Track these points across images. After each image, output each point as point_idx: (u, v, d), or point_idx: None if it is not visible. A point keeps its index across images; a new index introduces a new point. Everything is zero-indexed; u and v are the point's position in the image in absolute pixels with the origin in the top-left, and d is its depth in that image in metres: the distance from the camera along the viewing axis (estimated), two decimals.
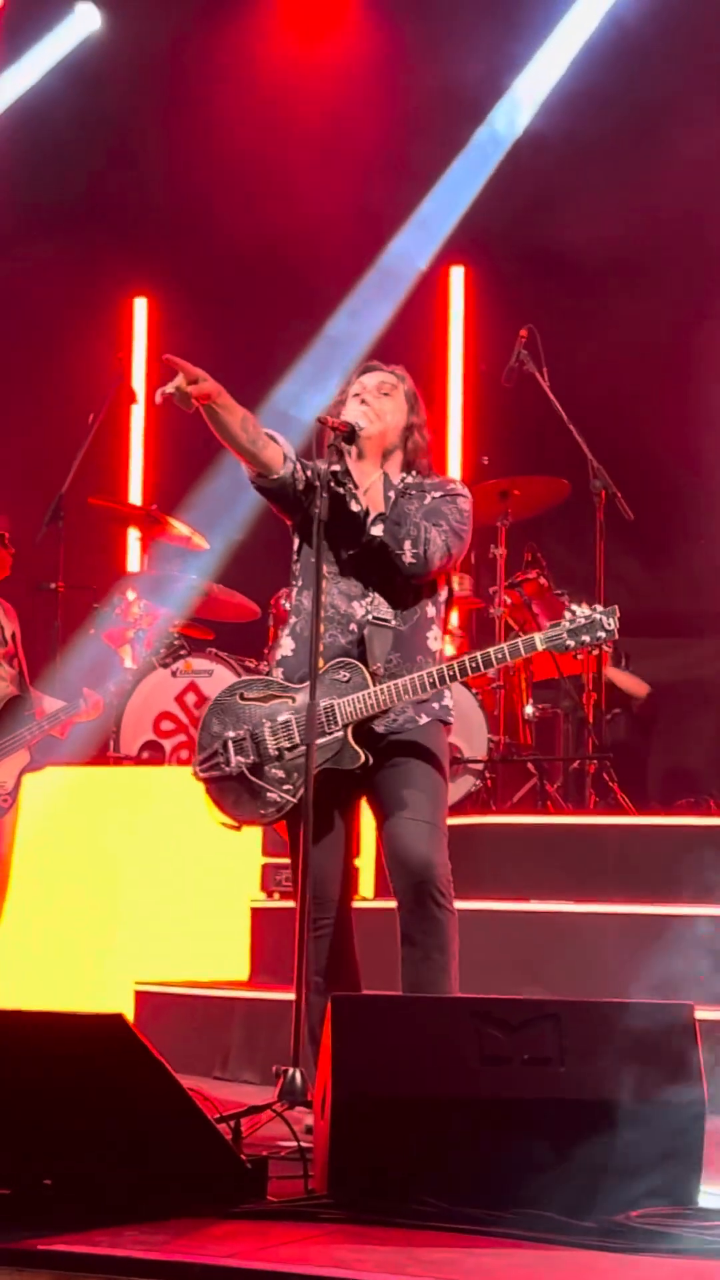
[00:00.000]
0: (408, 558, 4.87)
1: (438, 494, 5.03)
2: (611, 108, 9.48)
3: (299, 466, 5.01)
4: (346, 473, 4.99)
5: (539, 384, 7.87)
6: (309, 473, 5.00)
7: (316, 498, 4.86)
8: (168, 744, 8.30)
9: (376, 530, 4.91)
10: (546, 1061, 3.60)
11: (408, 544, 4.87)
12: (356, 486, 4.99)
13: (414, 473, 5.08)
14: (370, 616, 4.92)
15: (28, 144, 10.24)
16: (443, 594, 5.09)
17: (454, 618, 8.07)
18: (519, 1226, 3.38)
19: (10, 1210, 3.47)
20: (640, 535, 8.20)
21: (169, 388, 4.95)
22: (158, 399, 4.97)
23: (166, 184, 10.31)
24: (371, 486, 4.97)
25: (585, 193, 9.38)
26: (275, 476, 4.98)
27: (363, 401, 5.03)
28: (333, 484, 4.96)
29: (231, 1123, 3.90)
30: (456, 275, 10.24)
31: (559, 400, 7.84)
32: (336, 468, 5.01)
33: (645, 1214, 3.41)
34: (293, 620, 5.08)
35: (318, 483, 4.89)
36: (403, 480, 5.05)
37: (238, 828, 5.09)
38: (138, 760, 8.26)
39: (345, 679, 4.89)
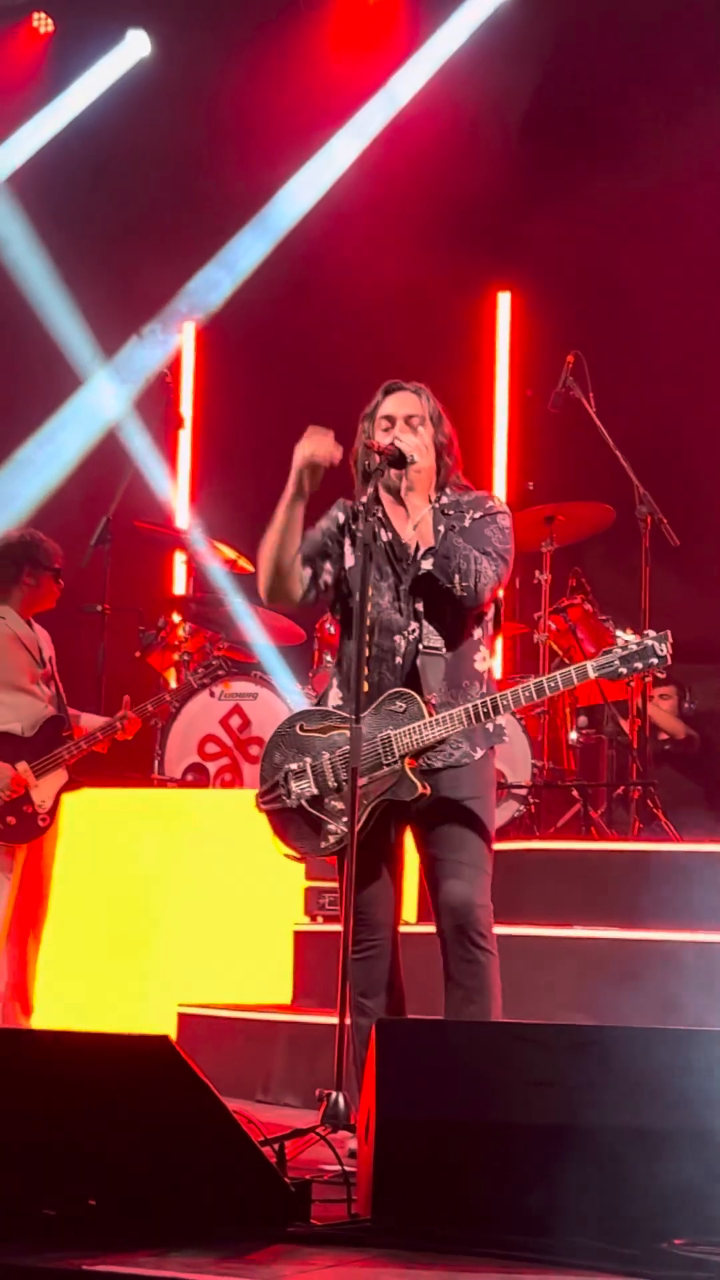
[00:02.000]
0: (458, 591, 4.88)
1: (478, 514, 5.03)
2: (661, 132, 9.48)
3: (319, 560, 5.08)
4: (375, 502, 4.97)
5: (585, 409, 7.87)
6: (330, 531, 5.09)
7: (361, 524, 4.89)
8: (212, 767, 8.33)
9: (426, 564, 4.93)
10: (591, 1087, 3.60)
11: (457, 578, 4.88)
12: (389, 521, 5.00)
13: (448, 490, 5.08)
14: (421, 646, 4.93)
15: (76, 168, 10.30)
16: (489, 613, 5.10)
17: (499, 643, 8.08)
18: (561, 1253, 3.37)
19: (55, 1231, 3.48)
20: (685, 561, 8.19)
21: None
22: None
23: (219, 210, 10.35)
24: (422, 521, 4.97)
25: (635, 216, 9.39)
26: (289, 602, 5.09)
27: (394, 432, 5.03)
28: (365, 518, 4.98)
29: (276, 1146, 3.91)
30: (503, 300, 10.25)
31: (605, 426, 7.84)
32: (364, 497, 5.00)
33: (687, 1243, 3.40)
34: (337, 671, 5.09)
35: (361, 507, 4.92)
36: (440, 502, 5.05)
37: (301, 859, 5.12)
38: (181, 783, 8.28)
39: (401, 709, 4.90)
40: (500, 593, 5.15)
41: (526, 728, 7.76)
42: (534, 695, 4.91)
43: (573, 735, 8.11)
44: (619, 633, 5.52)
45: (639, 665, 4.84)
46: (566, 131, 9.94)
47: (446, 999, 4.86)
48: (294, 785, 4.99)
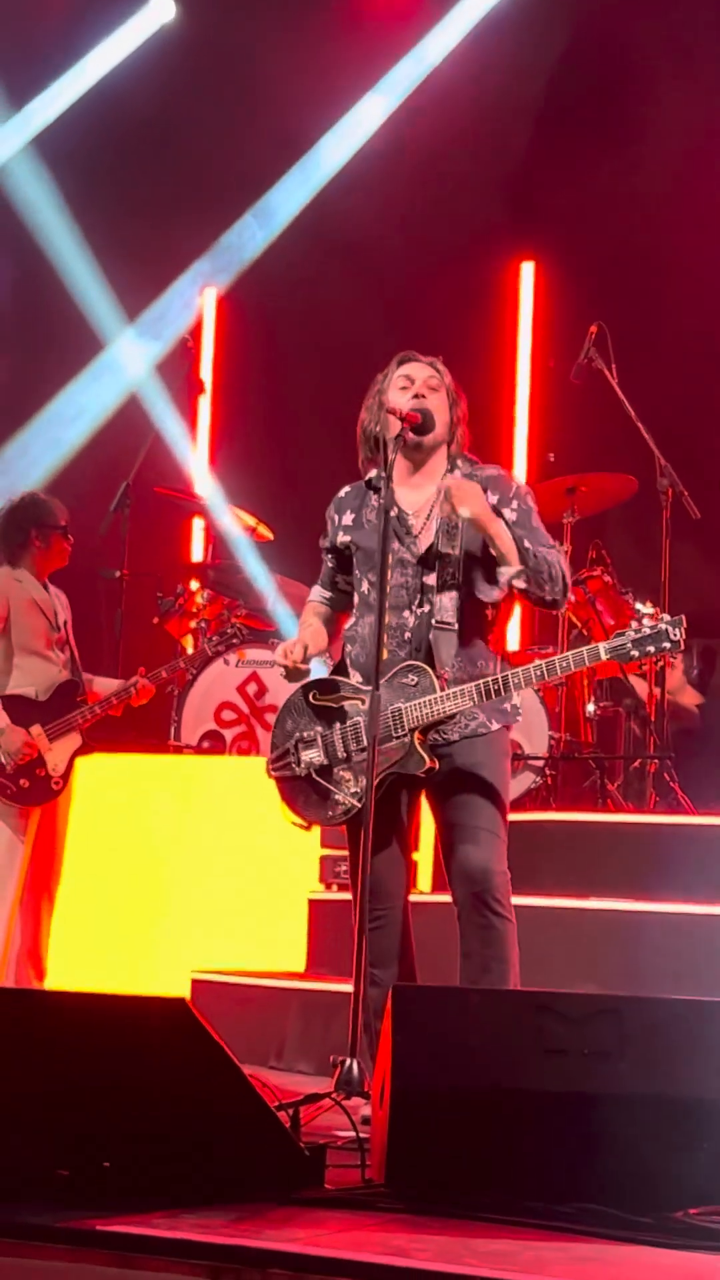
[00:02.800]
0: (548, 597, 4.90)
1: (495, 497, 5.00)
2: (688, 102, 9.43)
3: (329, 574, 5.19)
4: (381, 479, 4.95)
5: (608, 381, 7.83)
6: (334, 548, 5.14)
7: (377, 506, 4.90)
8: (228, 734, 8.32)
9: (520, 584, 4.87)
10: (606, 1056, 3.60)
11: (548, 587, 4.88)
12: (398, 507, 4.99)
13: (460, 464, 5.05)
14: (434, 621, 4.91)
15: (100, 131, 10.27)
16: (501, 594, 5.08)
17: (516, 611, 8.04)
18: (576, 1220, 3.38)
19: (70, 1191, 3.49)
20: (706, 534, 8.15)
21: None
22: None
23: (242, 175, 10.32)
24: (503, 538, 4.89)
25: (656, 185, 9.34)
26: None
27: (416, 395, 5.01)
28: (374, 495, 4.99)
29: (290, 1111, 3.91)
30: (527, 270, 10.21)
31: (627, 397, 7.80)
32: (371, 474, 5.00)
33: (704, 1211, 3.40)
34: (348, 648, 5.08)
35: (350, 511, 4.95)
36: (447, 477, 5.02)
37: (307, 827, 5.12)
38: (198, 749, 8.28)
39: (413, 683, 4.88)
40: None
41: (544, 699, 7.74)
42: (545, 674, 4.89)
43: (590, 708, 8.09)
44: (639, 606, 5.49)
45: (651, 649, 4.81)
46: (593, 101, 9.89)
47: (462, 967, 4.85)
48: (304, 754, 4.99)
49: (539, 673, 4.87)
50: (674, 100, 9.50)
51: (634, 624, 4.83)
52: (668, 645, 4.80)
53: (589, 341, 7.88)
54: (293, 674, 5.07)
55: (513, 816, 5.06)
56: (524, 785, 7.55)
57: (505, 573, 4.87)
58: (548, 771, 7.62)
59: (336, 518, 5.16)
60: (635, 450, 7.80)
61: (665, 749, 7.58)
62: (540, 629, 8.76)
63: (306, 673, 5.07)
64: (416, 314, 9.28)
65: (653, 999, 3.81)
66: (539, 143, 9.91)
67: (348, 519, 5.11)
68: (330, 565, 5.22)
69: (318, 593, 5.27)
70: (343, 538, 5.11)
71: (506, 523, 4.93)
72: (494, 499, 4.96)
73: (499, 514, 4.92)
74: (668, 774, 7.44)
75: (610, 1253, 3.22)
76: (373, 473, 5.05)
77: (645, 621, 4.80)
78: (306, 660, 5.07)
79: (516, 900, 4.92)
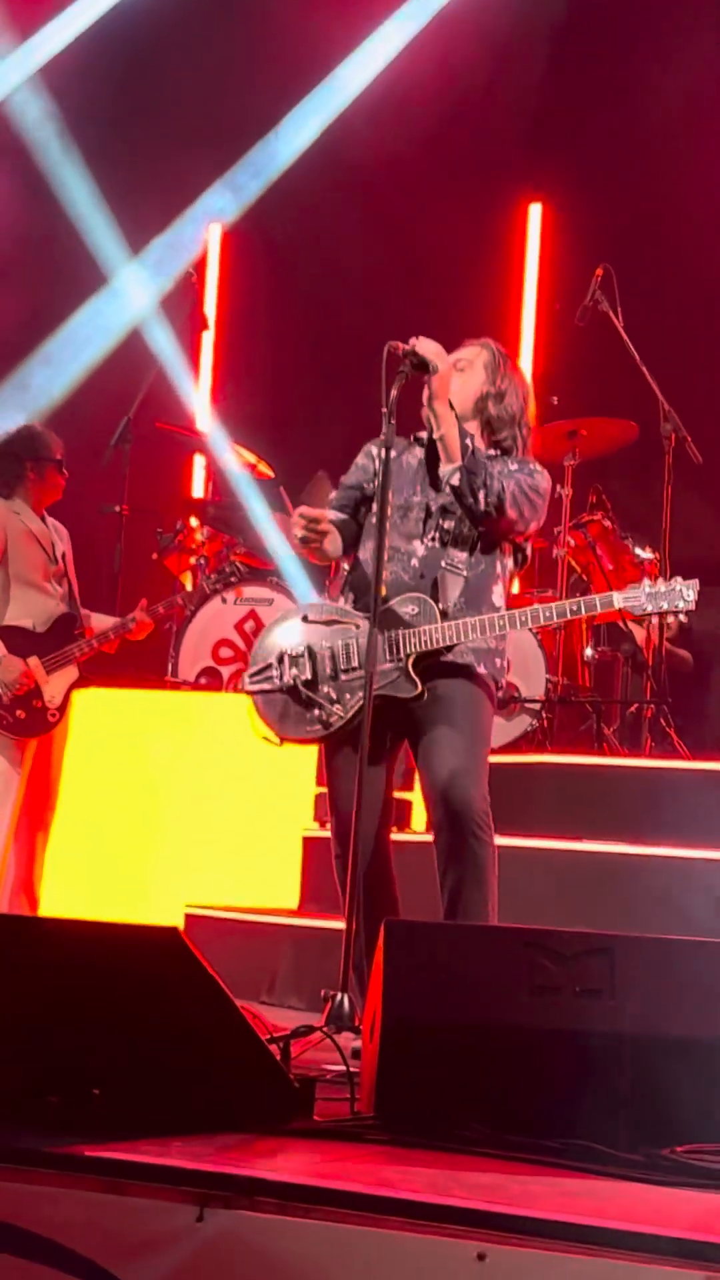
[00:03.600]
0: (481, 506, 4.87)
1: (513, 465, 5.01)
2: (698, 43, 9.36)
3: (348, 497, 5.17)
4: (420, 443, 4.98)
5: (613, 324, 7.79)
6: (364, 479, 5.13)
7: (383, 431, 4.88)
8: (225, 671, 8.32)
9: (454, 481, 4.89)
10: (598, 994, 3.60)
11: (482, 494, 4.86)
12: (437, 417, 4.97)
13: (497, 447, 5.07)
14: (443, 563, 4.91)
15: (106, 64, 10.19)
16: (510, 560, 5.07)
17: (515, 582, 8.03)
18: (564, 1156, 3.39)
19: (59, 1117, 3.49)
20: (708, 480, 8.13)
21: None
22: None
23: (249, 111, 10.25)
24: (448, 433, 4.93)
25: (667, 129, 9.28)
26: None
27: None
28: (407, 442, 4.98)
29: (280, 1044, 3.92)
30: (534, 212, 10.14)
31: (632, 341, 7.76)
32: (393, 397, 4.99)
33: (691, 1149, 3.41)
34: (348, 573, 5.08)
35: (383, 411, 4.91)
36: (471, 440, 5.03)
37: (279, 743, 5.09)
38: (195, 686, 8.28)
39: (414, 612, 4.88)
40: (527, 546, 5.12)
41: (543, 643, 7.74)
42: (554, 617, 4.92)
43: (588, 652, 8.09)
44: (638, 551, 5.48)
45: (664, 605, 4.90)
46: (606, 42, 9.80)
47: (441, 886, 4.86)
48: (287, 668, 4.97)
49: (548, 615, 4.89)
50: (687, 44, 9.43)
51: (647, 581, 4.89)
52: (680, 605, 4.86)
53: (595, 284, 7.84)
54: (308, 538, 5.02)
55: (508, 758, 5.09)
56: (520, 728, 7.56)
57: (444, 470, 4.90)
58: (544, 714, 7.62)
59: (374, 450, 5.11)
60: (639, 395, 7.77)
61: (662, 694, 7.58)
62: (540, 574, 8.73)
63: (322, 536, 5.00)
64: (423, 253, 9.22)
65: (644, 938, 3.81)
66: (550, 84, 9.83)
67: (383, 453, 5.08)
68: (351, 487, 5.17)
69: (333, 514, 5.20)
70: (373, 477, 5.07)
71: (508, 470, 4.95)
72: (512, 465, 5.01)
73: (507, 468, 4.95)
74: (664, 719, 7.45)
75: (598, 1188, 3.23)
76: (420, 433, 5.08)
77: (660, 580, 4.86)
78: (324, 529, 5.01)
79: (511, 842, 4.94)
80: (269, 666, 5.03)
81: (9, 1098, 3.54)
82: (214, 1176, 3.07)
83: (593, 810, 6.62)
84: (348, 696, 4.87)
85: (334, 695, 4.93)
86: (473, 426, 5.07)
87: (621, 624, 8.22)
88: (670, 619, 8.82)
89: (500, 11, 9.83)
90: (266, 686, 5.02)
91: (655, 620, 7.57)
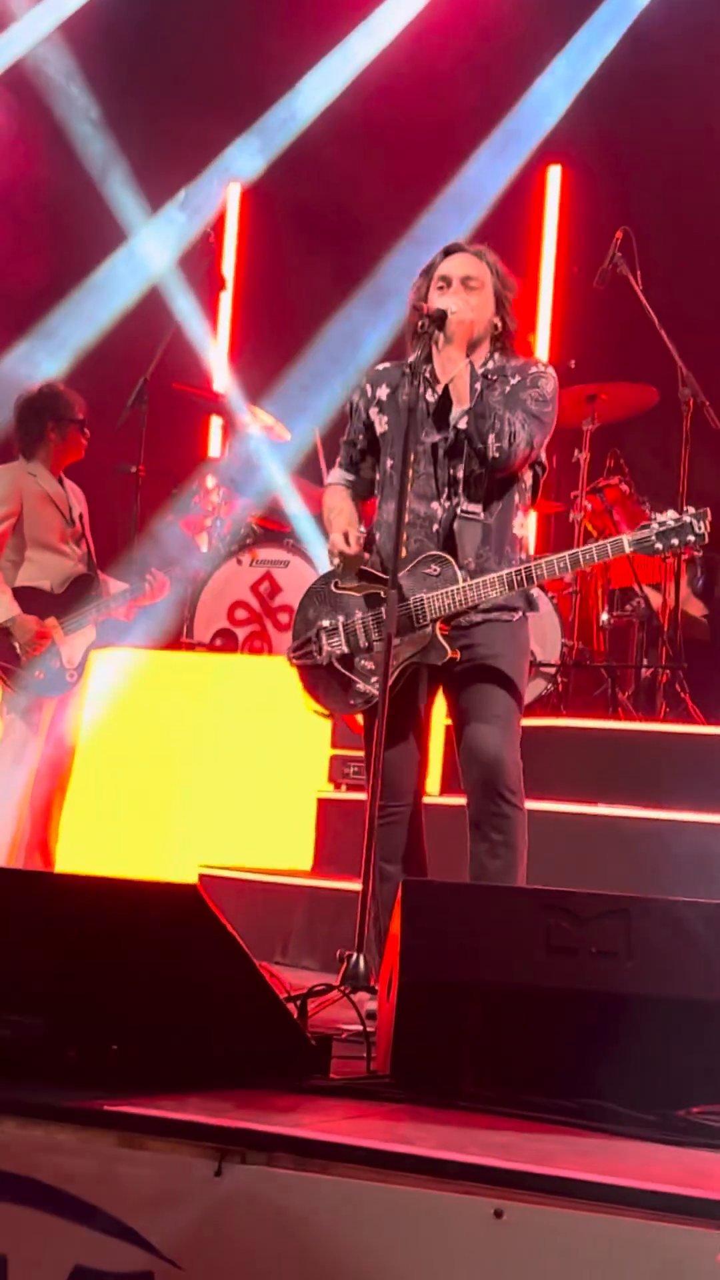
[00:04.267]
0: (491, 452, 4.85)
1: (517, 379, 4.98)
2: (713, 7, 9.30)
3: (353, 452, 5.17)
4: (425, 361, 4.94)
5: (632, 287, 7.76)
6: (360, 422, 5.12)
7: (403, 391, 4.86)
8: (241, 632, 8.33)
9: (462, 425, 4.88)
10: (614, 955, 3.61)
11: (491, 437, 4.84)
12: (437, 381, 4.96)
13: (497, 356, 5.03)
14: (459, 510, 4.90)
15: (124, 22, 10.14)
16: (527, 479, 5.05)
17: (532, 518, 8.02)
18: (579, 1115, 3.40)
19: (77, 1073, 3.52)
20: None
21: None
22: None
23: (268, 69, 10.20)
24: (457, 377, 4.93)
25: (689, 92, 9.23)
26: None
27: (448, 293, 4.98)
28: (411, 379, 4.94)
29: (297, 1002, 3.94)
30: (553, 174, 10.09)
31: (651, 305, 7.74)
32: (413, 358, 4.97)
33: (706, 1110, 3.43)
34: (375, 534, 5.07)
35: (406, 371, 4.90)
36: (484, 366, 5.00)
37: (329, 716, 5.13)
38: (210, 647, 8.29)
39: (435, 572, 4.88)
40: (542, 456, 5.08)
41: (558, 606, 7.74)
42: (568, 566, 4.89)
43: (604, 616, 8.09)
44: (655, 515, 5.42)
45: (675, 542, 4.83)
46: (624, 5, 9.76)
47: (471, 851, 4.88)
48: (325, 642, 4.99)
49: (561, 564, 4.86)
50: (706, 4, 9.38)
51: (657, 516, 4.83)
52: (692, 538, 4.81)
53: (614, 247, 7.80)
54: (351, 561, 5.01)
55: (524, 722, 5.08)
56: (535, 692, 7.56)
57: (454, 413, 4.88)
58: (559, 678, 7.63)
59: (370, 389, 5.11)
60: (657, 359, 7.75)
61: (677, 659, 7.58)
62: (557, 537, 8.73)
63: (362, 558, 5.02)
64: (441, 213, 9.19)
65: (660, 900, 3.82)
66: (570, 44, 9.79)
67: (383, 393, 5.06)
68: (357, 444, 5.17)
69: (340, 476, 5.23)
70: (375, 413, 5.07)
71: (511, 388, 4.93)
72: (516, 379, 4.96)
73: (515, 390, 4.93)
74: (679, 684, 7.45)
75: (613, 1147, 3.25)
76: (413, 356, 5.01)
77: (669, 513, 4.81)
78: (361, 544, 5.02)
79: (527, 805, 4.93)
80: (309, 641, 5.04)
81: (27, 1052, 3.56)
82: (232, 1132, 3.10)
83: (607, 774, 6.63)
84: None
85: (371, 667, 4.93)
86: (484, 345, 5.02)
87: (637, 588, 8.21)
88: (684, 582, 8.83)
89: None
90: (308, 662, 5.04)
91: (670, 570, 7.54)
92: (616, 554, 4.92)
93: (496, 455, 4.85)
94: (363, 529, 5.11)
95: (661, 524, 4.82)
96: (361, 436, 5.15)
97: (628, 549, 4.87)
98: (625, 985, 3.60)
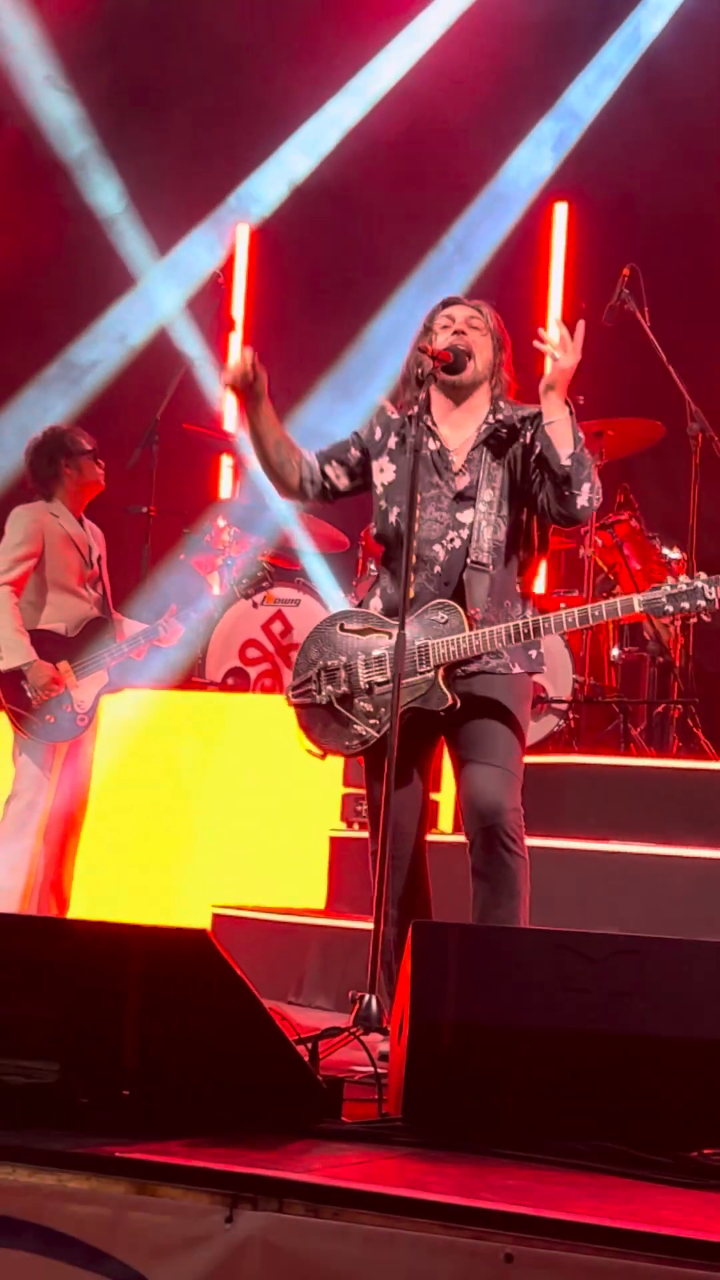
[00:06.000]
0: (581, 501, 4.82)
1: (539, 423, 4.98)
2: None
3: (334, 463, 5.12)
4: (425, 410, 4.94)
5: (639, 323, 7.78)
6: (359, 447, 5.10)
7: (406, 440, 4.88)
8: (253, 671, 8.34)
9: (565, 462, 4.78)
10: (626, 996, 3.60)
11: (585, 487, 4.81)
12: (436, 428, 4.97)
13: (502, 406, 5.03)
14: (469, 560, 4.90)
15: (135, 61, 10.20)
16: (536, 537, 5.06)
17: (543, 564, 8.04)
18: (592, 1158, 3.40)
19: (89, 1119, 3.52)
20: None
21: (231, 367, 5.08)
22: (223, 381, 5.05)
23: (278, 110, 10.26)
24: (560, 422, 4.85)
25: (696, 128, 9.26)
26: (299, 498, 5.20)
27: (456, 332, 5.00)
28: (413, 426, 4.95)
29: (309, 1044, 3.93)
30: (560, 211, 10.13)
31: (659, 341, 7.75)
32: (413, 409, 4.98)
33: (717, 1152, 3.42)
34: (381, 580, 5.08)
35: (411, 414, 4.90)
36: (495, 417, 5.01)
37: (322, 756, 5.13)
38: (222, 686, 8.30)
39: (443, 620, 4.89)
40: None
41: (569, 643, 7.74)
42: (577, 622, 4.90)
43: (615, 652, 8.09)
44: (665, 551, 5.46)
45: (685, 606, 4.86)
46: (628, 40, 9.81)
47: (474, 901, 4.87)
48: (326, 683, 5.00)
49: (570, 620, 4.88)
50: (709, 40, 9.43)
51: (669, 579, 4.87)
52: (702, 604, 4.83)
53: (622, 283, 7.82)
54: (232, 376, 5.07)
55: (536, 759, 5.09)
56: (547, 728, 7.56)
57: (559, 452, 4.80)
58: (571, 715, 7.63)
59: (378, 431, 5.10)
60: (666, 394, 7.77)
61: (689, 694, 7.58)
62: (567, 574, 8.73)
63: (248, 379, 5.05)
64: (450, 252, 9.23)
65: (672, 940, 3.81)
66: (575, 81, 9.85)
67: (391, 442, 5.06)
68: (337, 447, 5.15)
69: (309, 455, 5.17)
70: (376, 459, 5.06)
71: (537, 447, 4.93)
72: (532, 432, 4.95)
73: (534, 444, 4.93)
74: (691, 719, 7.45)
75: (626, 1191, 3.24)
76: (408, 404, 5.02)
77: (682, 578, 4.84)
78: (254, 372, 5.05)
79: (537, 842, 4.94)
80: (309, 680, 5.05)
81: (40, 1099, 3.56)
82: (243, 1178, 3.09)
83: (620, 811, 6.62)
84: (383, 711, 4.87)
85: (370, 709, 4.93)
86: (484, 392, 5.03)
87: (649, 624, 8.22)
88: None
89: (527, 10, 9.83)
90: (306, 701, 5.05)
91: (679, 620, 7.55)
92: (626, 613, 4.99)
93: (585, 505, 4.84)
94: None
95: (673, 586, 4.85)
96: (344, 454, 5.13)
97: (638, 608, 4.92)
98: (637, 1026, 3.59)
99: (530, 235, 10.08)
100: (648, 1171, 3.33)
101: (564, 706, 7.60)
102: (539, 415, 4.97)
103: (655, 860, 6.24)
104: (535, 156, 9.87)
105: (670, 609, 4.86)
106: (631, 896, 6.15)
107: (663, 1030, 3.58)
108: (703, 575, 4.87)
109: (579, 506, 4.85)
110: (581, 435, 4.89)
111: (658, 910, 6.03)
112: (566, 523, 4.95)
